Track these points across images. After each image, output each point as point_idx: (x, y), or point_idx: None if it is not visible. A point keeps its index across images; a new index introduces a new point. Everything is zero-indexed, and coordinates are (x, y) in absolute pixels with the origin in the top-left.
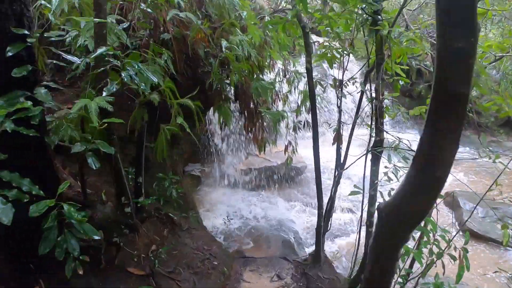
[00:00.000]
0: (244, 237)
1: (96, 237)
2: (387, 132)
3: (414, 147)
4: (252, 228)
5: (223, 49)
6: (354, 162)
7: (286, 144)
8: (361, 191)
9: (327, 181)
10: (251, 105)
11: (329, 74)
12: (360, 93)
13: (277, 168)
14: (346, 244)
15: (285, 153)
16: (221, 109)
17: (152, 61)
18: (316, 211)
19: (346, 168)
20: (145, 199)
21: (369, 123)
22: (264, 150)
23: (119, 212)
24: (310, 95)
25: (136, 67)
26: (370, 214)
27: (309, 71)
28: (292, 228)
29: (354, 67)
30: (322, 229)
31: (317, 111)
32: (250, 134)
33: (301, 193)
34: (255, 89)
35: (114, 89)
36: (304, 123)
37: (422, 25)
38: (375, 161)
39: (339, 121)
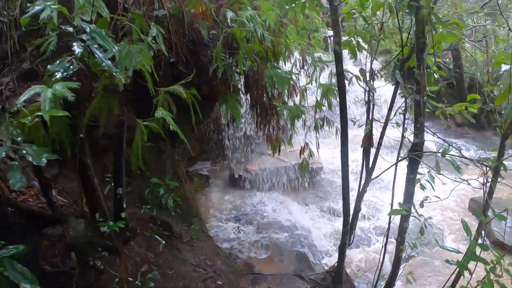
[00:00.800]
0: (254, 246)
1: (26, 286)
2: (434, 134)
3: None
4: (263, 236)
5: (229, 23)
6: (388, 168)
7: (303, 145)
8: (408, 212)
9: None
10: (265, 98)
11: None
12: (394, 85)
13: (291, 169)
14: (365, 256)
15: (300, 155)
16: (228, 102)
17: (137, 40)
18: (332, 217)
19: (377, 177)
20: (146, 206)
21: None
22: (279, 152)
23: (94, 232)
24: (339, 85)
25: (99, 36)
26: (402, 230)
27: (338, 55)
28: (307, 236)
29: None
30: (346, 247)
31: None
32: (262, 132)
33: (316, 196)
34: (270, 78)
35: (70, 69)
36: (324, 120)
37: (460, 10)
38: (413, 168)
39: (372, 119)
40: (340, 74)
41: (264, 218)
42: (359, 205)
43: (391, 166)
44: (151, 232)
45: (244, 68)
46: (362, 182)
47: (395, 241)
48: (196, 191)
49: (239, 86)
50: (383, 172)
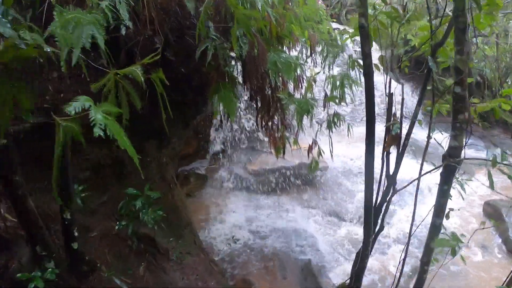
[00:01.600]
0: (253, 259)
1: None
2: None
3: None
4: (263, 246)
5: None
6: (418, 179)
7: (310, 143)
8: (439, 229)
9: (350, 187)
10: (267, 89)
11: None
12: (426, 73)
13: (295, 169)
14: (377, 267)
15: (308, 154)
16: (221, 93)
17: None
18: (339, 221)
19: (404, 188)
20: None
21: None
22: (284, 153)
23: (40, 266)
24: (366, 70)
25: None
26: (429, 251)
27: (364, 31)
28: (313, 245)
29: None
30: (363, 271)
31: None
32: (264, 129)
33: (322, 198)
34: (273, 64)
35: None
36: (336, 116)
37: None
38: (448, 178)
39: (401, 116)
40: (368, 55)
41: (265, 224)
42: (382, 224)
43: (424, 174)
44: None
45: (242, 51)
46: (382, 191)
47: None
48: (192, 192)
49: (236, 75)
50: (411, 182)
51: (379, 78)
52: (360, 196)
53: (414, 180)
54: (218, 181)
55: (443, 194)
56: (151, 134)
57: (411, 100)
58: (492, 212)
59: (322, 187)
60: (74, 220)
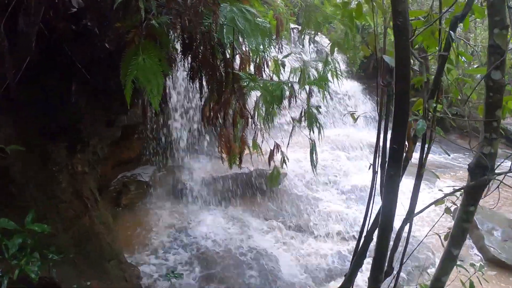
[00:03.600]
0: None
1: None
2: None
3: None
4: (213, 275)
5: None
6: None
7: (273, 147)
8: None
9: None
10: (218, 62)
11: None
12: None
13: (249, 177)
14: None
15: (269, 162)
16: (137, 60)
17: None
18: (300, 235)
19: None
20: None
21: None
22: (240, 161)
23: None
24: (398, 41)
25: None
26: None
27: None
28: (274, 266)
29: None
30: None
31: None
32: (212, 127)
33: (280, 210)
34: (231, 20)
35: None
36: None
37: None
38: (475, 196)
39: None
40: (401, 13)
41: (215, 245)
42: (391, 266)
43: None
44: None
45: None
46: (372, 206)
47: None
48: (132, 203)
49: (171, 38)
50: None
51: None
52: (323, 205)
53: (429, 205)
54: (164, 190)
55: (467, 217)
56: (57, 133)
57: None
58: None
59: (280, 196)
60: None
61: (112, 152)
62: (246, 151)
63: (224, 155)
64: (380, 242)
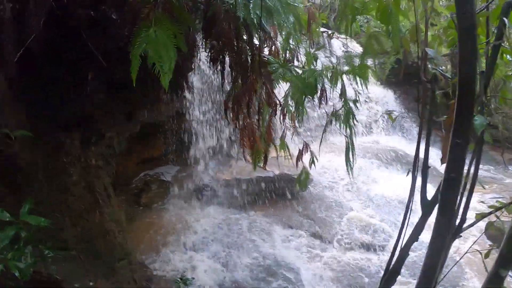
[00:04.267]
0: None
1: None
2: None
3: None
4: (228, 284)
5: None
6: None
7: (302, 147)
8: None
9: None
10: (242, 45)
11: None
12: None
13: (274, 181)
14: None
15: (297, 162)
16: (149, 32)
17: None
18: (324, 245)
19: (469, 227)
20: None
21: None
22: (265, 162)
23: None
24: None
25: None
26: None
27: None
28: (291, 279)
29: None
30: None
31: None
32: (234, 122)
33: (304, 216)
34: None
35: None
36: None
37: None
38: None
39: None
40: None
41: (233, 252)
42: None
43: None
44: None
45: None
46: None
47: None
48: (152, 203)
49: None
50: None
51: None
52: (350, 214)
53: (486, 215)
54: (185, 190)
55: None
56: (71, 123)
57: None
58: (494, 234)
59: (305, 202)
60: None
61: (136, 149)
62: (273, 153)
63: (246, 152)
64: (431, 258)
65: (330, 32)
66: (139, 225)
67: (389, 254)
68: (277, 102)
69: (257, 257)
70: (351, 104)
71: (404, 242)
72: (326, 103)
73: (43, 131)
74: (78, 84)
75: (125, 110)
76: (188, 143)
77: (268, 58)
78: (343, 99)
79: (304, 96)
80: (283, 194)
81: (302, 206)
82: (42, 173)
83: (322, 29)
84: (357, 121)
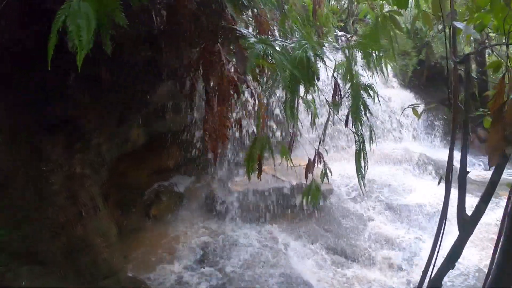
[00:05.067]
0: None
1: None
2: None
3: None
4: None
5: None
6: None
7: (314, 156)
8: None
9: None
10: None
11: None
12: None
13: (291, 192)
14: None
15: (307, 174)
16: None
17: None
18: (346, 262)
19: None
20: None
21: None
22: (260, 172)
23: None
24: None
25: None
26: None
27: None
28: None
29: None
30: None
31: None
32: (218, 117)
33: (324, 230)
34: None
35: None
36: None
37: None
38: None
39: None
40: None
41: (245, 268)
42: None
43: None
44: None
45: None
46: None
47: None
48: (162, 215)
49: None
50: None
51: None
52: (373, 227)
53: None
54: (197, 202)
55: None
56: (54, 126)
57: None
58: None
59: (324, 215)
60: None
61: (148, 159)
62: (290, 162)
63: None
64: None
65: (348, 36)
66: (145, 239)
67: (419, 273)
68: (248, 85)
69: (270, 271)
70: (363, 93)
71: (436, 262)
72: (341, 99)
73: (23, 136)
74: (59, 85)
75: (114, 113)
76: (202, 153)
77: (237, 29)
78: (350, 83)
79: (295, 86)
80: (301, 206)
81: (322, 218)
82: (23, 176)
83: (339, 33)
84: (371, 113)
